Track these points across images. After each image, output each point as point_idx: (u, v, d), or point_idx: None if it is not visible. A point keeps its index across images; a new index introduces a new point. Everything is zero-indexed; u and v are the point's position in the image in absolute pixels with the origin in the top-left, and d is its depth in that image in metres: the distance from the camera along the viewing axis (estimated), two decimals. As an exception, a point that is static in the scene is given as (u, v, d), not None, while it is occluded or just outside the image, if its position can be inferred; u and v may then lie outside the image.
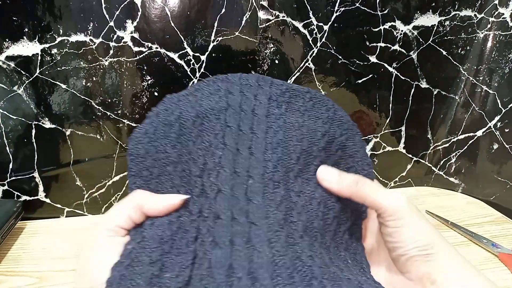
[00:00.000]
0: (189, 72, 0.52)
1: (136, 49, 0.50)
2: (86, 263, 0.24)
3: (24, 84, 0.49)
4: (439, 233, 0.27)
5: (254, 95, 0.29)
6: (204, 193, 0.26)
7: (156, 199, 0.26)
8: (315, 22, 0.53)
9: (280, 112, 0.29)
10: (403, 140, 0.64)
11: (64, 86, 0.50)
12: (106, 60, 0.50)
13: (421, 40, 0.57)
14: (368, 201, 0.27)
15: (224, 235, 0.23)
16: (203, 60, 0.52)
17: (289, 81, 0.56)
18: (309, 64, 0.55)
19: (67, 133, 0.53)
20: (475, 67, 0.60)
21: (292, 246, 0.23)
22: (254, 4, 0.50)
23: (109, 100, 0.52)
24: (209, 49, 0.52)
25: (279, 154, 0.27)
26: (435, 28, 0.57)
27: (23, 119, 0.51)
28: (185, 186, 0.27)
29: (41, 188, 0.55)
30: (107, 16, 0.48)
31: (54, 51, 0.48)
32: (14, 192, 0.54)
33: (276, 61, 0.54)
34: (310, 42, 0.54)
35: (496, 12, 0.57)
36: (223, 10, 0.50)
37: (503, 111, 0.60)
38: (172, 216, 0.26)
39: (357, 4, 0.53)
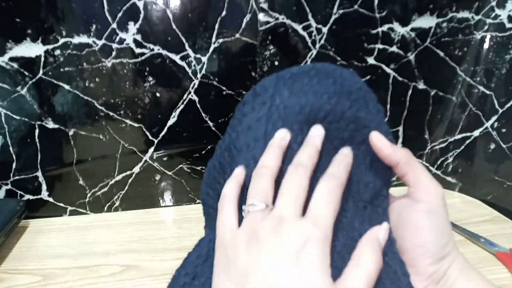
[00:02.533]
0: (190, 74, 0.53)
1: (138, 50, 0.51)
2: None
3: (28, 85, 0.50)
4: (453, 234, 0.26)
5: (262, 103, 0.29)
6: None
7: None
8: (314, 24, 0.54)
9: (281, 100, 0.28)
10: (400, 140, 0.65)
11: (67, 87, 0.51)
12: (108, 62, 0.50)
13: (418, 42, 0.58)
14: (412, 173, 0.26)
15: None
16: (204, 62, 0.53)
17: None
18: (308, 65, 0.56)
19: (70, 133, 0.53)
20: (472, 68, 0.60)
21: None
22: (254, 6, 0.51)
23: (112, 101, 0.53)
24: (210, 51, 0.52)
25: None
26: (432, 30, 0.58)
27: (26, 119, 0.51)
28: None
29: (44, 187, 0.55)
30: (109, 18, 0.48)
31: (57, 52, 0.49)
32: (18, 191, 0.55)
33: (276, 63, 0.55)
34: (309, 44, 0.55)
35: (493, 14, 0.57)
36: (224, 12, 0.51)
37: (500, 111, 0.60)
38: None
39: (356, 7, 0.54)
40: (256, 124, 0.28)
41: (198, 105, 0.55)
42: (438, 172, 0.68)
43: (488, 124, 0.62)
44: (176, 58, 0.52)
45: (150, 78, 0.52)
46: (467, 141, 0.64)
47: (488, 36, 0.58)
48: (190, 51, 0.52)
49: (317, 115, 0.27)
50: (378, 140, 0.27)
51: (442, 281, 0.24)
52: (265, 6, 0.51)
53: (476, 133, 0.63)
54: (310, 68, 0.30)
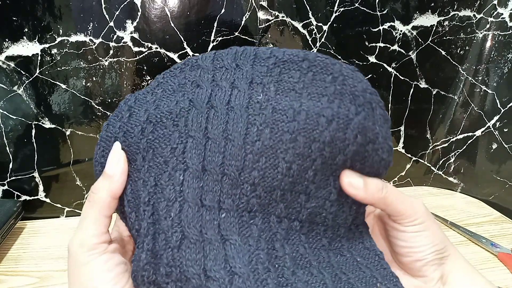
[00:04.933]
0: (188, 72, 0.53)
1: (136, 49, 0.50)
2: None
3: (24, 84, 0.49)
4: (446, 235, 0.27)
5: (230, 83, 0.22)
6: (159, 232, 0.20)
7: (108, 183, 0.22)
8: (314, 23, 0.53)
9: (267, 98, 0.21)
10: (402, 140, 0.64)
11: (64, 86, 0.50)
12: (106, 60, 0.50)
13: (420, 40, 0.58)
14: (391, 208, 0.25)
15: None
16: (203, 60, 0.52)
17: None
18: (308, 64, 0.55)
19: (67, 133, 0.53)
20: (474, 67, 0.60)
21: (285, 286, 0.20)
22: (254, 4, 0.51)
23: (109, 100, 0.52)
24: (209, 50, 0.52)
25: (262, 168, 0.21)
26: (434, 28, 0.57)
27: (23, 119, 0.51)
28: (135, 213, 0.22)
29: (41, 188, 0.55)
30: (107, 16, 0.48)
31: (54, 51, 0.48)
32: (14, 192, 0.54)
33: (276, 61, 0.54)
34: (310, 42, 0.54)
35: (495, 12, 0.57)
36: (223, 10, 0.50)
37: (502, 111, 0.60)
38: None
39: (357, 4, 0.53)
40: (226, 111, 0.21)
41: (197, 105, 0.55)
42: (440, 172, 0.67)
43: (490, 123, 0.61)
44: (175, 56, 0.51)
45: (148, 77, 0.52)
46: (469, 141, 0.64)
47: (490, 35, 0.58)
48: (188, 50, 0.51)
49: (318, 121, 0.21)
50: (349, 186, 0.24)
51: (448, 282, 0.25)
52: (264, 4, 0.51)
53: (478, 132, 0.63)
54: (301, 58, 0.23)
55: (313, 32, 0.54)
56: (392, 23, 0.56)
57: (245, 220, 0.21)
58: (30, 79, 0.49)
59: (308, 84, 0.22)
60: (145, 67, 0.51)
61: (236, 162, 0.20)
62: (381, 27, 0.56)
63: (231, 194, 0.21)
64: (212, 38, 0.51)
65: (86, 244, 0.22)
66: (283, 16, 0.52)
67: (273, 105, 0.21)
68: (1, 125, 0.50)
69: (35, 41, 0.47)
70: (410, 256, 0.26)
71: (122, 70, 0.51)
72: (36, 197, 0.55)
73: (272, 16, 0.52)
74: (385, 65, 0.58)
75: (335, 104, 0.22)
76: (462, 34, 0.58)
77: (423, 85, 0.61)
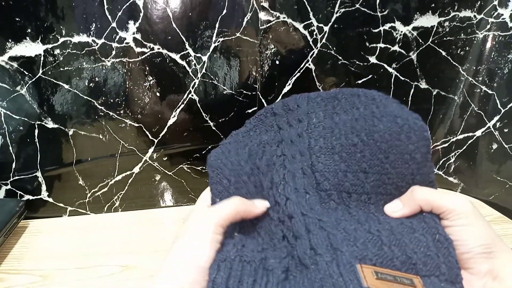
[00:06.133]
0: (190, 73, 0.53)
1: (138, 50, 0.50)
2: (185, 251, 0.28)
3: (27, 84, 0.49)
4: (496, 232, 0.28)
5: (297, 119, 0.36)
6: (276, 204, 0.31)
7: (253, 207, 0.31)
8: (315, 23, 0.53)
9: (318, 120, 0.34)
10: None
11: (66, 87, 0.51)
12: (108, 61, 0.50)
13: (420, 41, 0.58)
14: (435, 207, 0.29)
15: (300, 227, 0.28)
16: (205, 61, 0.53)
17: (289, 81, 0.56)
18: (309, 64, 0.56)
19: (70, 133, 0.53)
20: (474, 68, 0.60)
21: (366, 213, 0.29)
22: (255, 5, 0.51)
23: (112, 100, 0.52)
24: (210, 50, 0.52)
25: (324, 161, 0.32)
26: (434, 29, 0.57)
27: (26, 119, 0.51)
28: (259, 195, 0.33)
29: (44, 187, 0.55)
30: (109, 17, 0.48)
31: (57, 51, 0.49)
32: (17, 191, 0.54)
33: (277, 62, 0.55)
34: (311, 43, 0.55)
35: (496, 13, 0.57)
36: (224, 11, 0.50)
37: (502, 111, 0.60)
38: (259, 223, 0.32)
39: (357, 5, 0.53)
40: (298, 139, 0.34)
41: (198, 105, 0.55)
42: (440, 172, 0.67)
43: (490, 124, 0.61)
44: (177, 57, 0.52)
45: (150, 78, 0.52)
46: (469, 141, 0.64)
47: (491, 36, 0.58)
48: (190, 50, 0.52)
49: (352, 126, 0.32)
50: (393, 213, 0.30)
51: (500, 277, 0.26)
52: (266, 4, 0.51)
53: (478, 133, 0.63)
54: (335, 94, 0.36)
55: (314, 32, 0.54)
56: (393, 24, 0.56)
57: (324, 197, 0.31)
58: (33, 79, 0.49)
59: (343, 106, 0.35)
60: (147, 68, 0.51)
61: (307, 161, 0.32)
62: (381, 28, 0.56)
63: (311, 183, 0.31)
64: (214, 38, 0.52)
65: (217, 220, 0.29)
66: (284, 17, 0.52)
67: (322, 125, 0.34)
68: (4, 125, 0.51)
69: (38, 42, 0.48)
70: (457, 248, 0.27)
71: (125, 71, 0.51)
72: (39, 197, 0.56)
73: (273, 17, 0.52)
74: (385, 65, 0.58)
75: (361, 115, 0.33)
76: (462, 34, 0.58)
77: (423, 85, 0.61)
